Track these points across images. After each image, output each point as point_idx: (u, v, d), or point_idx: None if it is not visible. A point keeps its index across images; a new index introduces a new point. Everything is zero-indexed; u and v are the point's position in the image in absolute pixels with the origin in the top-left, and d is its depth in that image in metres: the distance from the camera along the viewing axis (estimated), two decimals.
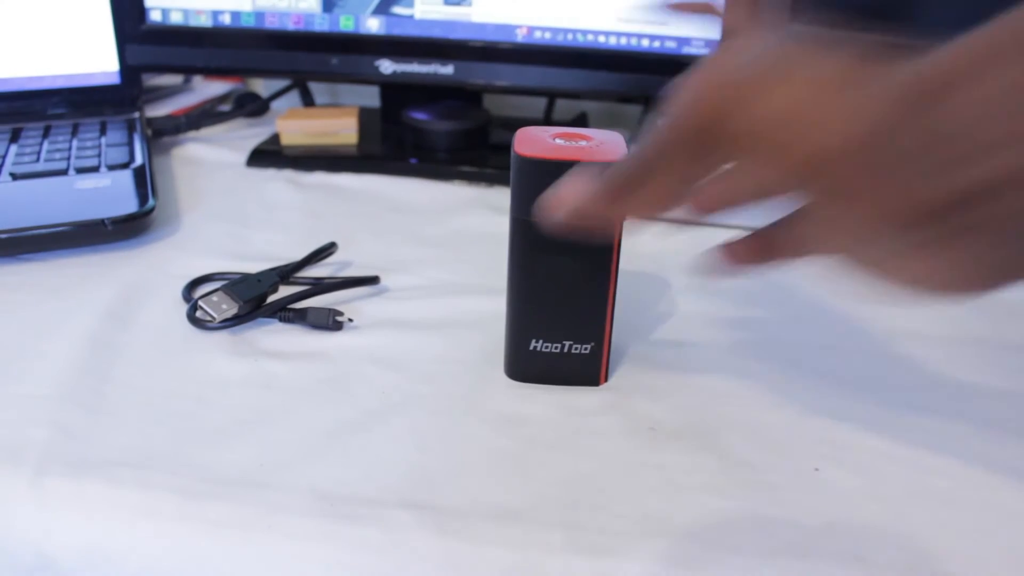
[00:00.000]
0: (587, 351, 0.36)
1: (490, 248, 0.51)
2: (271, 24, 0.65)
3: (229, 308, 0.41)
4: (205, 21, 0.66)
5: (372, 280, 0.45)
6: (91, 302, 0.43)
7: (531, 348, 0.36)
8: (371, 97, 0.78)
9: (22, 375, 0.37)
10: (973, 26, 0.24)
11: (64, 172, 0.54)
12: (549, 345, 0.36)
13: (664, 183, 0.27)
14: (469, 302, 0.44)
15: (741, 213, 0.27)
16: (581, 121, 0.72)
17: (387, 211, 0.57)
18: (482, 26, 0.63)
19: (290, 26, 0.65)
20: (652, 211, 0.29)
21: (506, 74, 0.64)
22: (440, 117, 0.68)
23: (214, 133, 0.71)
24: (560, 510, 0.30)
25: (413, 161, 0.65)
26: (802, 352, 0.40)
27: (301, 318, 0.41)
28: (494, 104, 0.74)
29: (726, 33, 0.31)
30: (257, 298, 0.42)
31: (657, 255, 0.50)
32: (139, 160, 0.57)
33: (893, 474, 0.32)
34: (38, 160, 0.56)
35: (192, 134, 0.70)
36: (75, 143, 0.59)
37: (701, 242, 0.52)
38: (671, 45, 0.62)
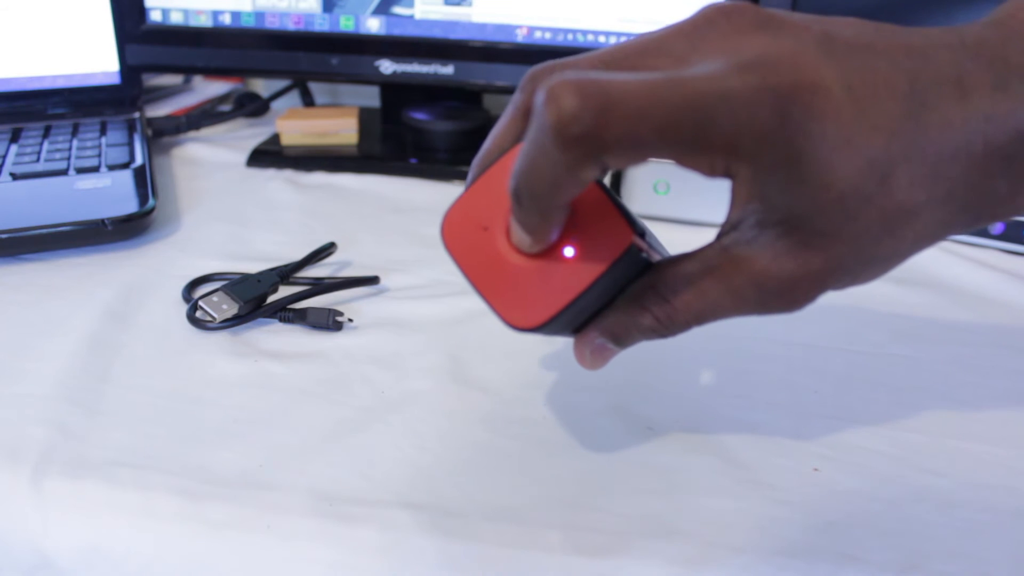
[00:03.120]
0: None
1: None
2: (271, 24, 0.65)
3: (229, 308, 0.41)
4: (205, 21, 0.66)
5: (372, 280, 0.45)
6: (91, 302, 0.43)
7: None
8: (371, 97, 0.78)
9: (22, 375, 0.37)
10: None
11: (64, 172, 0.54)
12: None
13: None
14: (468, 302, 0.44)
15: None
16: None
17: (387, 211, 0.57)
18: (482, 26, 0.63)
19: (290, 26, 0.65)
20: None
21: (506, 74, 0.64)
22: (440, 117, 0.68)
23: (214, 133, 0.71)
24: (560, 510, 0.30)
25: (413, 161, 0.65)
26: (802, 352, 0.40)
27: (301, 318, 0.41)
28: (494, 104, 0.74)
29: None
30: (257, 298, 0.42)
31: None
32: (139, 160, 0.57)
33: (893, 474, 0.32)
34: (38, 160, 0.56)
35: (192, 134, 0.70)
36: (75, 143, 0.59)
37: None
38: None
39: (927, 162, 0.23)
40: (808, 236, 0.24)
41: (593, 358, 0.29)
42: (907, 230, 0.24)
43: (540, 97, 0.21)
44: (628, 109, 0.21)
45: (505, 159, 0.26)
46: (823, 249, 0.24)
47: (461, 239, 0.26)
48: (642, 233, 0.26)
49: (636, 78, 0.22)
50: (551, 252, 0.25)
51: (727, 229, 0.26)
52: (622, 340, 0.28)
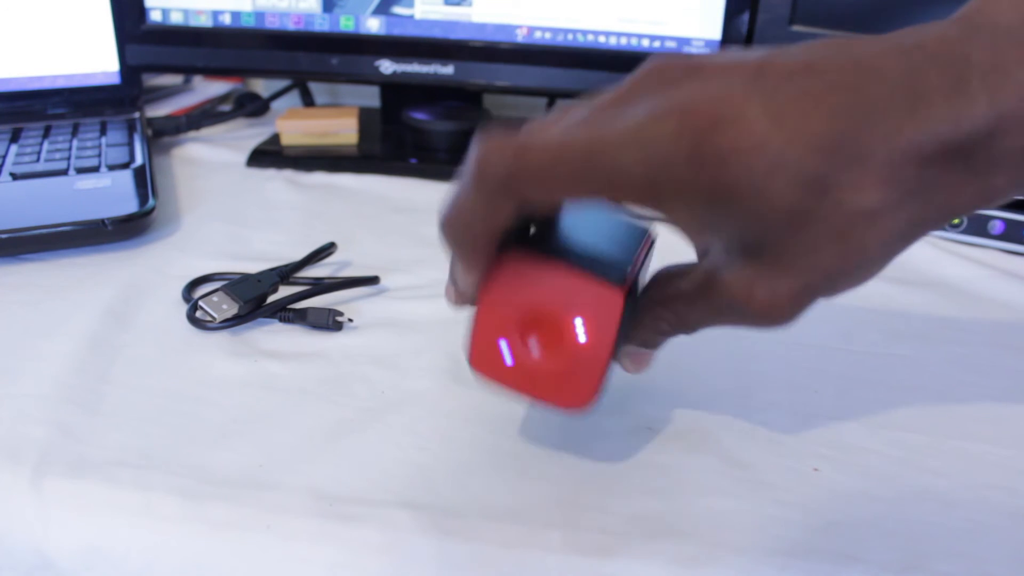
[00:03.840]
0: None
1: None
2: (271, 24, 0.65)
3: (229, 308, 0.41)
4: (205, 21, 0.66)
5: (372, 280, 0.45)
6: (91, 302, 0.43)
7: None
8: (371, 97, 0.78)
9: (22, 375, 0.37)
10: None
11: (64, 172, 0.54)
12: None
13: None
14: None
15: None
16: None
17: (387, 211, 0.57)
18: (482, 26, 0.63)
19: (290, 26, 0.65)
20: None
21: (506, 74, 0.64)
22: (440, 117, 0.68)
23: (214, 133, 0.71)
24: (560, 510, 0.30)
25: (413, 161, 0.65)
26: (802, 352, 0.40)
27: (301, 318, 0.41)
28: (494, 104, 0.74)
29: None
30: (257, 298, 0.42)
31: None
32: (139, 160, 0.57)
33: (893, 474, 0.32)
34: (38, 160, 0.56)
35: (192, 134, 0.70)
36: (75, 143, 0.59)
37: None
38: (671, 45, 0.62)
39: (875, 170, 0.23)
40: (771, 259, 0.24)
41: (634, 364, 0.31)
42: (870, 236, 0.23)
43: (471, 148, 0.24)
44: (541, 154, 0.23)
45: (492, 281, 0.28)
46: (787, 271, 0.24)
47: (490, 366, 0.28)
48: (623, 276, 0.27)
49: (556, 126, 0.24)
50: (565, 341, 0.27)
51: (701, 254, 0.27)
52: (651, 344, 0.30)
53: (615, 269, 0.28)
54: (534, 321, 0.27)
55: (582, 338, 0.27)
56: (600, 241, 0.30)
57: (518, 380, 0.28)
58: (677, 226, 0.25)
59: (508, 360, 0.28)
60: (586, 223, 0.31)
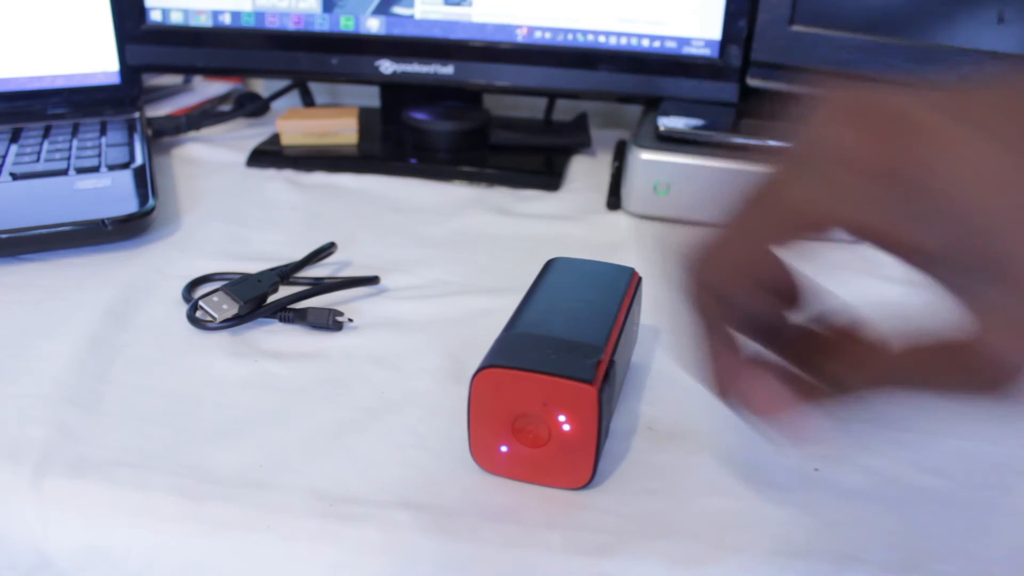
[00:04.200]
0: None
1: (490, 248, 0.51)
2: (271, 24, 0.65)
3: (229, 308, 0.41)
4: (205, 21, 0.66)
5: (372, 280, 0.45)
6: (91, 302, 0.43)
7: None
8: (371, 97, 0.78)
9: (22, 375, 0.37)
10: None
11: (64, 172, 0.54)
12: None
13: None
14: (468, 302, 0.44)
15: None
16: (581, 122, 0.72)
17: (387, 211, 0.57)
18: (482, 26, 0.63)
19: (290, 26, 0.65)
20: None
21: (506, 74, 0.64)
22: (440, 117, 0.68)
23: (214, 133, 0.71)
24: (559, 510, 0.30)
25: (413, 161, 0.65)
26: None
27: (301, 318, 0.41)
28: (494, 104, 0.74)
29: None
30: (257, 298, 0.42)
31: (656, 254, 0.50)
32: (139, 160, 0.57)
33: (893, 474, 0.32)
34: (38, 160, 0.56)
35: (192, 134, 0.70)
36: (75, 143, 0.59)
37: None
38: (671, 45, 0.62)
39: None
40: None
41: (792, 433, 0.26)
42: None
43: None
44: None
45: (476, 394, 0.30)
46: None
47: (493, 463, 0.31)
48: (594, 375, 0.29)
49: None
50: (555, 433, 0.30)
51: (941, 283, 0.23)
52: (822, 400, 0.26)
53: (591, 351, 0.30)
54: (524, 422, 0.30)
55: (567, 427, 0.30)
56: (580, 307, 0.34)
57: (520, 471, 0.31)
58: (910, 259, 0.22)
59: (508, 457, 0.31)
60: (568, 285, 0.35)
